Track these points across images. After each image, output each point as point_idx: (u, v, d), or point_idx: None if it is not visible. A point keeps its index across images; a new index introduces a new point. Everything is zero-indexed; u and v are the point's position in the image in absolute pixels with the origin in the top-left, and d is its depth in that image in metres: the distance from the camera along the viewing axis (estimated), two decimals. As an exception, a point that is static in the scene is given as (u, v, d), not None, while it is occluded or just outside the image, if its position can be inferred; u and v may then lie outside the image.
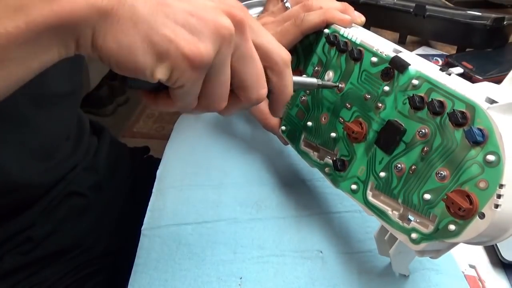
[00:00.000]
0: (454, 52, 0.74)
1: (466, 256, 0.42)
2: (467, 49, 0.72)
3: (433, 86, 0.30)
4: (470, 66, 0.66)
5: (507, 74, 0.67)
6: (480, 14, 0.66)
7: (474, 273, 0.40)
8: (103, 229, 0.63)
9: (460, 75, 0.32)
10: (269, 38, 0.31)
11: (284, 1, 0.43)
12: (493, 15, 0.65)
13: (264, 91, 0.31)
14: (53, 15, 0.22)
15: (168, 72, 0.26)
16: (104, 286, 0.61)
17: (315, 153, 0.41)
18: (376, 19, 0.44)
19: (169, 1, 0.25)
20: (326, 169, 0.39)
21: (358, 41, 0.36)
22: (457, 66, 0.65)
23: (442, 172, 0.29)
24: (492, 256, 0.42)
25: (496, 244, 0.41)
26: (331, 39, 0.38)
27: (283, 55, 0.32)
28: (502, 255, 0.41)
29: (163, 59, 0.25)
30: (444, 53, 0.75)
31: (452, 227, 0.28)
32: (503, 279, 0.40)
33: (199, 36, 0.25)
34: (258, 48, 0.30)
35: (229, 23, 0.26)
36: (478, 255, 0.42)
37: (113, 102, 2.15)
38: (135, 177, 0.73)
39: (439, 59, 0.73)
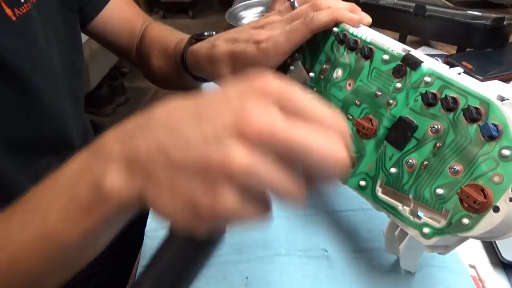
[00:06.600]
0: (454, 52, 0.74)
1: (466, 256, 0.42)
2: (467, 49, 0.73)
3: (446, 83, 0.31)
4: (470, 66, 0.67)
5: (507, 74, 0.67)
6: (480, 14, 0.67)
7: (474, 273, 0.41)
8: None
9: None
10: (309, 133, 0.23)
11: (292, 0, 0.43)
12: (493, 15, 0.66)
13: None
14: (109, 212, 0.26)
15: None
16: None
17: (322, 151, 0.41)
18: (376, 19, 0.44)
19: (176, 161, 0.24)
20: None
21: (368, 40, 0.36)
22: (457, 66, 0.65)
23: (455, 167, 0.29)
24: (492, 256, 0.42)
25: (496, 244, 0.42)
26: (341, 37, 0.38)
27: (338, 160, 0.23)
28: (502, 255, 0.41)
29: (199, 219, 0.24)
30: (444, 53, 0.76)
31: (465, 220, 0.28)
32: (503, 279, 0.40)
33: (215, 187, 0.23)
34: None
35: (239, 157, 0.22)
36: (478, 255, 0.43)
37: (113, 102, 2.15)
38: None
39: (439, 59, 0.73)
